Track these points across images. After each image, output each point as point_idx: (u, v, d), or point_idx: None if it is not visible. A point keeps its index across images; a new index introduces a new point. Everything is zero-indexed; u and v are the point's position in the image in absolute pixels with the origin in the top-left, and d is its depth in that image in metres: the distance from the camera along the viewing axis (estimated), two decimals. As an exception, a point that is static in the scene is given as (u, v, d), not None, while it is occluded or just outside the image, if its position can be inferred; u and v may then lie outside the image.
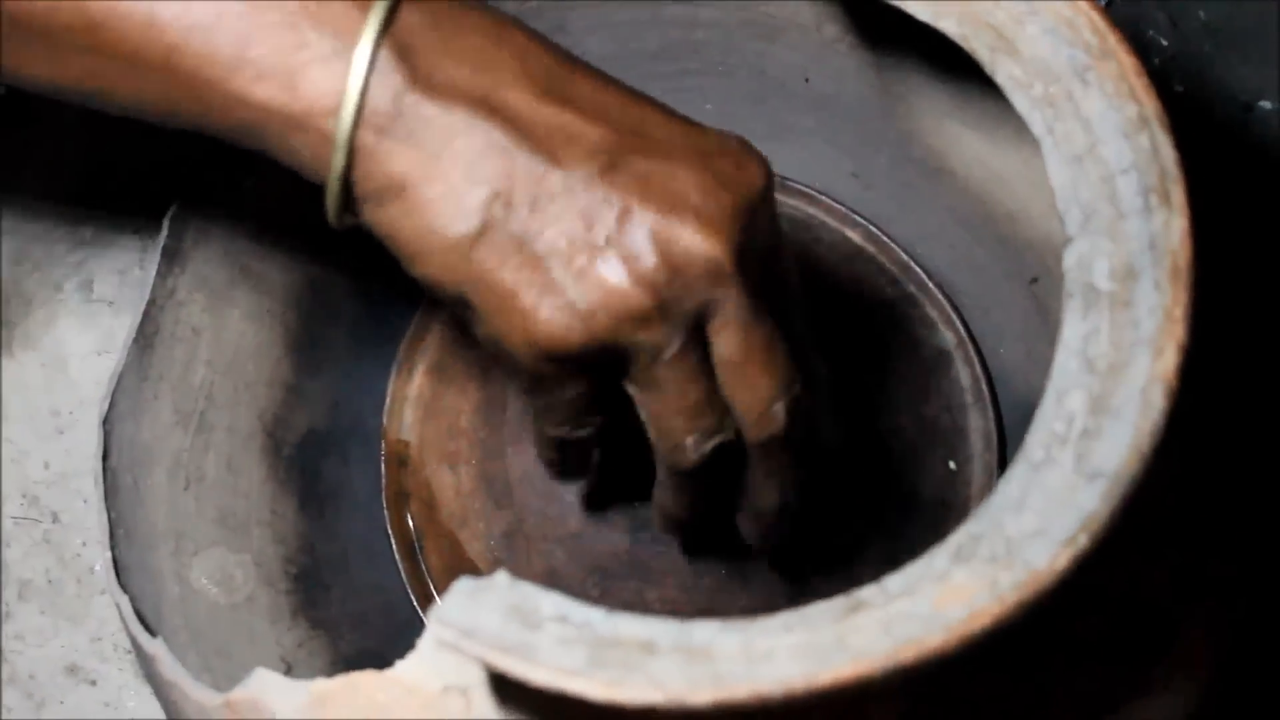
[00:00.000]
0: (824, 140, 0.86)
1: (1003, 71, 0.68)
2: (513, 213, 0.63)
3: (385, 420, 0.83)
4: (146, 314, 0.77)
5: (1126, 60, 0.67)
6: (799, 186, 0.86)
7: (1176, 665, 0.70)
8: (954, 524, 0.77)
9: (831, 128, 0.85)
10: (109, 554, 0.74)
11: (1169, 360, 0.62)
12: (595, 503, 0.79)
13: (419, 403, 0.83)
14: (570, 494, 0.80)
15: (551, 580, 0.78)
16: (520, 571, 0.75)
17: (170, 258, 0.78)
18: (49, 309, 0.85)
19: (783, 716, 0.61)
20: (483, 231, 0.63)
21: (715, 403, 0.66)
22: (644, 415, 0.67)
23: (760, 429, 0.67)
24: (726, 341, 0.65)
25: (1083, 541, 0.60)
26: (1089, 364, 0.63)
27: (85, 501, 0.84)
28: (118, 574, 0.74)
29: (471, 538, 0.80)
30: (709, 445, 0.67)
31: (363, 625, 0.80)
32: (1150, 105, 0.66)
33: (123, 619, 0.73)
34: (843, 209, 0.85)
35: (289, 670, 0.77)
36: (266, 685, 0.66)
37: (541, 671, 0.59)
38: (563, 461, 0.73)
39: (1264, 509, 0.75)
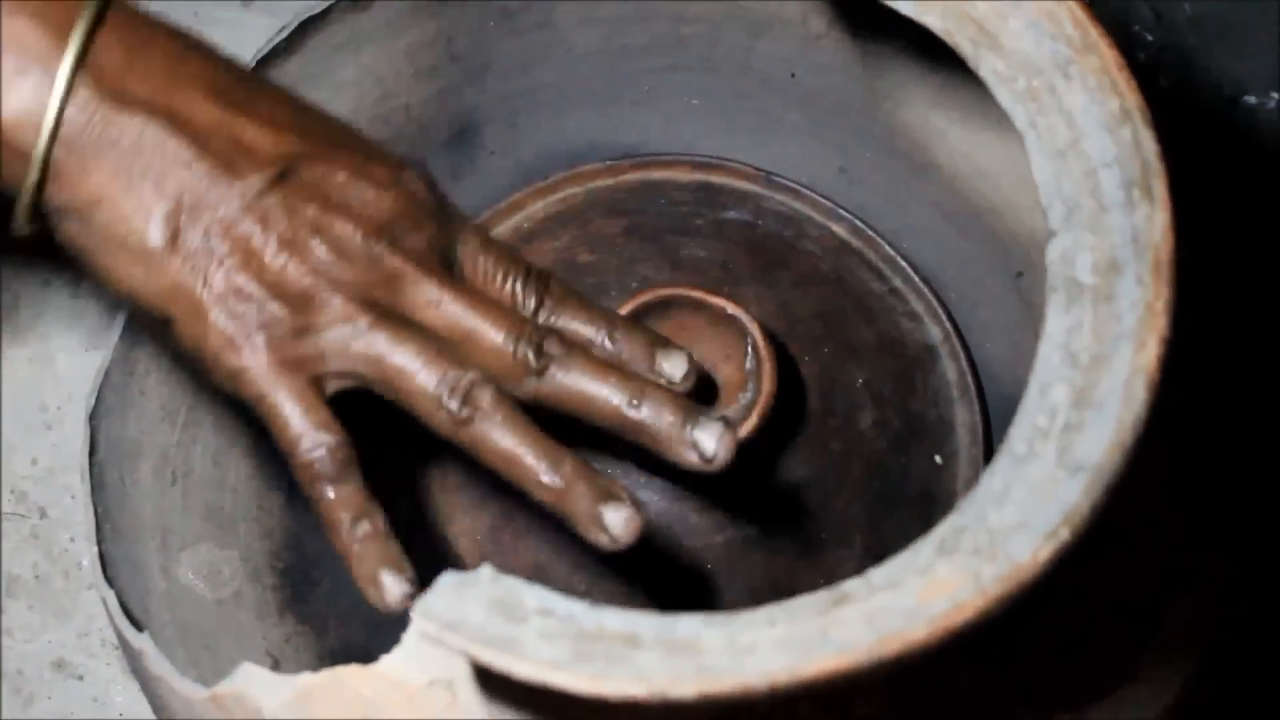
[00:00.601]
0: (810, 135, 0.86)
1: (986, 66, 0.68)
2: (196, 222, 0.66)
3: None
4: (134, 310, 0.78)
5: (1108, 54, 0.67)
6: (785, 181, 0.86)
7: (1160, 656, 0.70)
8: (939, 517, 0.77)
9: (818, 122, 0.86)
10: (96, 549, 0.74)
11: (1151, 353, 0.62)
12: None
13: None
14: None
15: (539, 576, 0.78)
16: (507, 566, 0.75)
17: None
18: (37, 305, 0.86)
19: (767, 709, 0.61)
20: (170, 242, 0.65)
21: (445, 351, 0.66)
22: (395, 401, 0.67)
23: (518, 378, 0.67)
24: (434, 319, 0.67)
25: (1064, 534, 0.60)
26: (1072, 357, 0.63)
27: (73, 497, 0.84)
28: (105, 569, 0.74)
29: (459, 534, 0.80)
30: (464, 384, 0.66)
31: (349, 620, 0.80)
32: (1132, 99, 0.67)
33: (109, 614, 0.73)
34: (829, 204, 0.85)
35: (276, 665, 0.77)
36: (252, 680, 0.66)
37: (526, 665, 0.59)
38: (344, 535, 0.68)
39: (1247, 502, 0.75)
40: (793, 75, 0.85)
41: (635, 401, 0.67)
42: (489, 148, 0.87)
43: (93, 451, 0.76)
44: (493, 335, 0.67)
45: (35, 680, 0.81)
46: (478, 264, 0.69)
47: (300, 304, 0.66)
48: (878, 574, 0.61)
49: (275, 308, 0.66)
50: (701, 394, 0.72)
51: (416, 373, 0.66)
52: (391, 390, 0.67)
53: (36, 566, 0.83)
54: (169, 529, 0.78)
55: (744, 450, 0.69)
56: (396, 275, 0.67)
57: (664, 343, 0.70)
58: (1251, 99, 0.96)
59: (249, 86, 0.68)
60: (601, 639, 0.59)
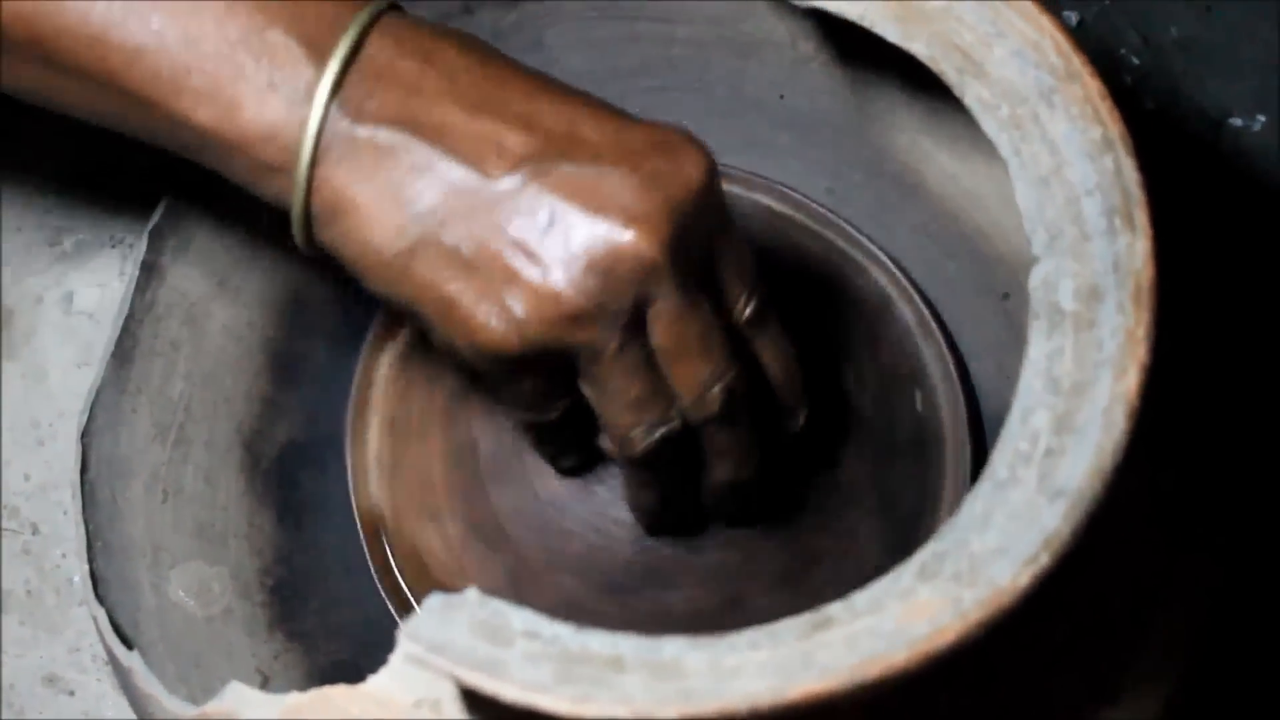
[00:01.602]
0: (798, 156, 0.87)
1: (971, 93, 0.69)
2: (446, 226, 0.66)
3: (351, 489, 0.81)
4: (125, 327, 0.78)
5: (1091, 83, 0.68)
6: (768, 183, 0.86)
7: (1140, 677, 0.71)
8: (935, 457, 0.81)
9: (806, 144, 0.86)
10: (87, 566, 0.74)
11: (1131, 381, 0.63)
12: (577, 469, 0.79)
13: (380, 465, 0.82)
14: (568, 519, 0.79)
15: (570, 609, 0.77)
16: (536, 607, 0.75)
17: (149, 271, 0.79)
18: (29, 321, 0.86)
19: (751, 732, 0.62)
20: (418, 246, 0.66)
21: (659, 395, 0.69)
22: (595, 408, 0.70)
23: (697, 412, 0.69)
24: (662, 332, 0.67)
25: (1044, 560, 0.61)
26: (1054, 383, 0.64)
27: (65, 513, 0.84)
28: (95, 586, 0.74)
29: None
30: (655, 436, 0.69)
31: (339, 637, 0.80)
32: (1115, 128, 0.67)
33: (100, 631, 0.73)
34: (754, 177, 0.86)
35: (265, 682, 0.78)
36: (240, 698, 0.66)
37: (510, 688, 0.59)
38: (540, 443, 0.76)
39: (1228, 522, 0.75)
40: (781, 97, 0.85)
41: (735, 483, 0.73)
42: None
43: (84, 469, 0.76)
44: (700, 375, 0.69)
45: (26, 695, 0.82)
46: (723, 257, 0.69)
47: (554, 314, 0.66)
48: (860, 598, 0.61)
49: (526, 316, 0.66)
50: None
51: (626, 410, 0.69)
52: (599, 404, 0.69)
53: (28, 582, 0.83)
54: (159, 546, 0.78)
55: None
56: (654, 275, 0.66)
57: (804, 400, 0.75)
58: (1238, 121, 0.96)
59: (498, 74, 0.67)
60: (586, 662, 0.60)
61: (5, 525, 0.84)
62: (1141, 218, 0.66)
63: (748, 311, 0.70)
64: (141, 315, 0.79)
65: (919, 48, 0.70)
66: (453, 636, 0.61)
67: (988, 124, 0.68)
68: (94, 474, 0.76)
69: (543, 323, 0.66)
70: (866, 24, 0.71)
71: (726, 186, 0.85)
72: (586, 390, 0.69)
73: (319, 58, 0.66)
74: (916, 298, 0.84)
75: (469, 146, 0.66)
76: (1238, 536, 0.76)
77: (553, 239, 0.65)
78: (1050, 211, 0.67)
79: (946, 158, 0.82)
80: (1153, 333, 0.64)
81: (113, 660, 0.74)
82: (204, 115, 0.66)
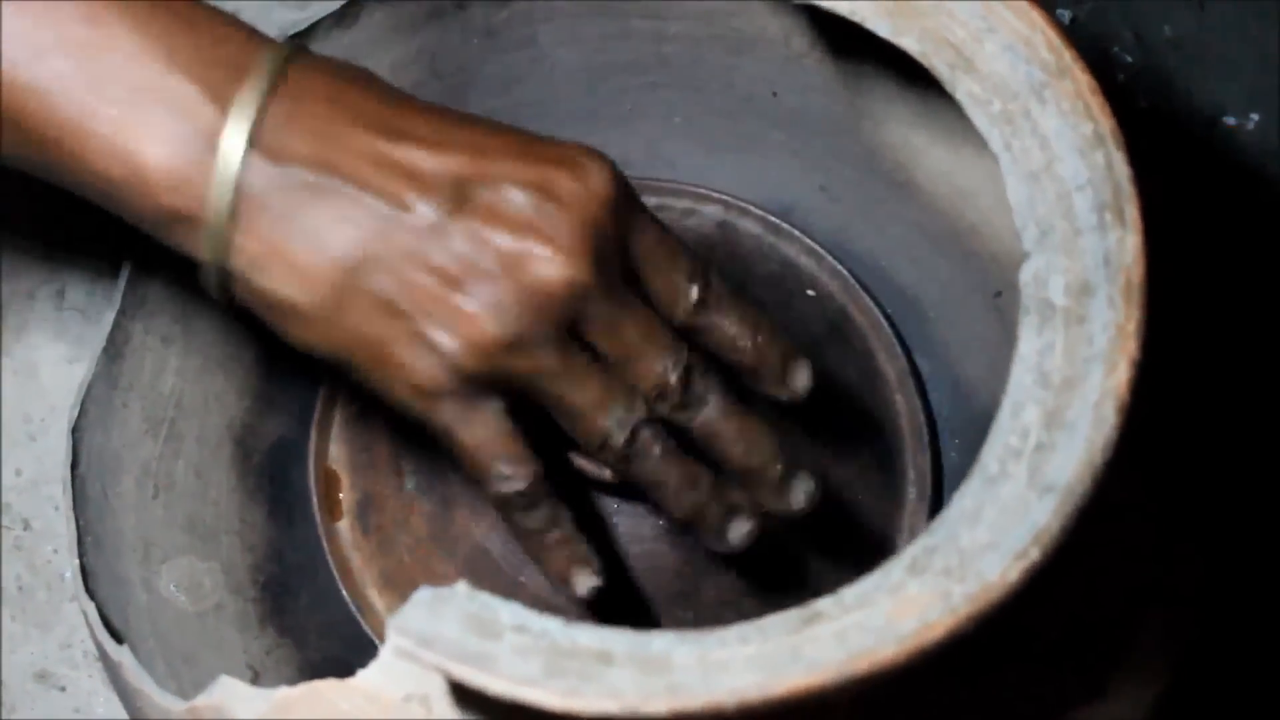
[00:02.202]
0: (791, 153, 0.87)
1: (962, 88, 0.69)
2: (369, 268, 0.65)
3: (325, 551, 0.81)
4: (117, 323, 0.78)
5: (1082, 78, 0.68)
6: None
7: (1130, 673, 0.71)
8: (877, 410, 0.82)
9: (799, 141, 0.86)
10: (77, 561, 0.74)
11: (1121, 375, 0.63)
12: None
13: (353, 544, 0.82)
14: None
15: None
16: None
17: (141, 267, 0.79)
18: (20, 316, 0.86)
19: (739, 726, 0.62)
20: (344, 294, 0.65)
21: (619, 390, 0.69)
22: (567, 429, 0.70)
23: (667, 403, 0.70)
24: (604, 341, 0.68)
25: (1034, 554, 0.61)
26: (1044, 379, 0.64)
27: (56, 508, 0.84)
28: (86, 581, 0.74)
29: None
30: (630, 425, 0.69)
31: (330, 633, 0.80)
32: (1106, 123, 0.67)
33: (90, 626, 0.73)
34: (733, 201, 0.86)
35: (256, 677, 0.78)
36: (230, 693, 0.66)
37: (499, 681, 0.59)
38: (529, 538, 0.71)
39: (1218, 517, 0.75)
40: (774, 94, 0.85)
41: (750, 450, 0.71)
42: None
43: (74, 464, 0.76)
44: (656, 367, 0.69)
45: (18, 691, 0.82)
46: (648, 254, 0.70)
47: (485, 341, 0.66)
48: (849, 592, 0.61)
49: (458, 348, 0.66)
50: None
51: (594, 416, 0.68)
52: (565, 421, 0.69)
53: (20, 578, 0.83)
54: (150, 541, 0.78)
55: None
56: (579, 293, 0.67)
57: (796, 354, 0.73)
58: (1231, 120, 0.96)
59: (402, 109, 0.67)
60: (575, 656, 0.60)
61: (-3, 521, 0.84)
62: (1132, 213, 0.66)
63: (693, 293, 0.71)
64: (133, 311, 0.79)
65: (910, 43, 0.70)
66: (442, 630, 0.61)
67: (979, 119, 0.68)
68: (85, 469, 0.76)
69: (474, 353, 0.66)
70: (858, 20, 0.71)
71: (676, 202, 0.86)
72: (552, 412, 0.69)
73: (224, 104, 0.64)
74: (873, 308, 0.84)
75: (383, 179, 0.65)
76: (1228, 533, 0.76)
77: (475, 268, 0.65)
78: (1041, 207, 0.67)
79: (938, 154, 0.82)
80: (1143, 328, 0.64)
81: (103, 655, 0.74)
82: (108, 162, 0.65)
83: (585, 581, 0.71)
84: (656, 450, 0.70)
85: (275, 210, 0.65)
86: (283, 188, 0.65)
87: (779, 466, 0.72)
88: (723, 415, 0.71)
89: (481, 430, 0.68)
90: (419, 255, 0.65)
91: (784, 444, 0.72)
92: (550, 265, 0.66)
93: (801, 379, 0.73)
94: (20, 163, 0.68)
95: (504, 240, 0.66)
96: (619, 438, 0.69)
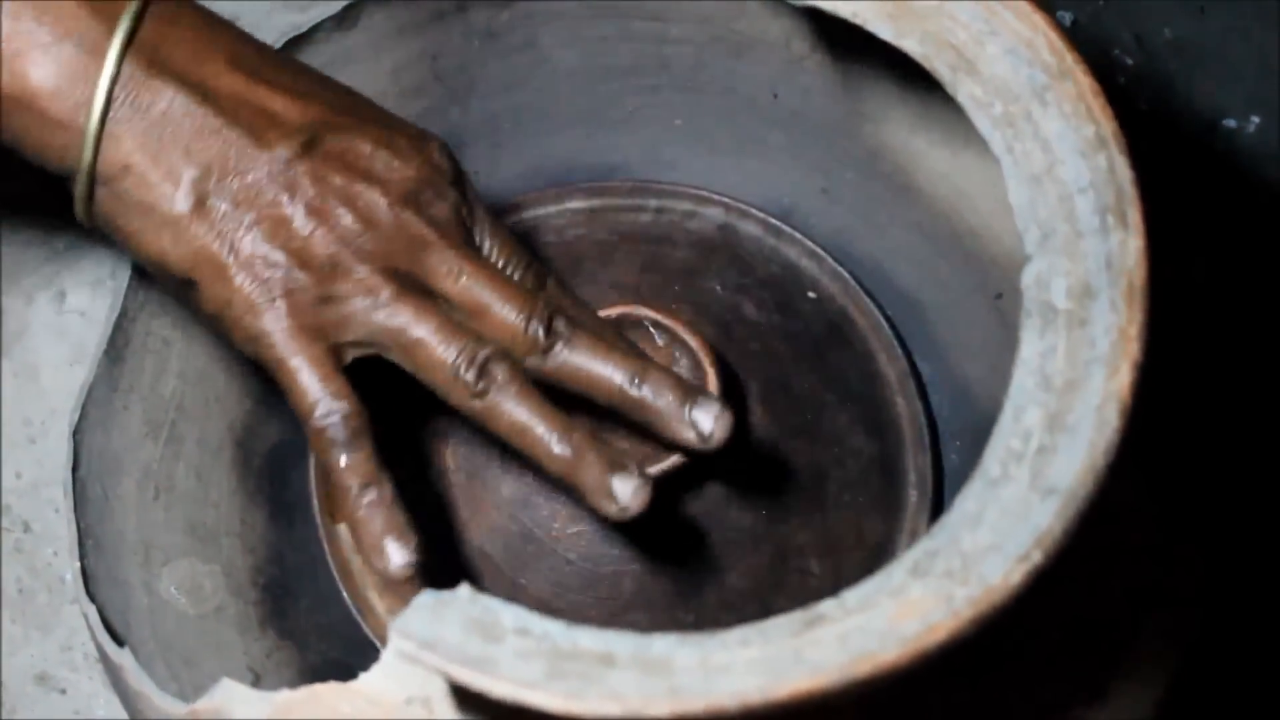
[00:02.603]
0: (793, 155, 0.87)
1: (964, 91, 0.69)
2: (224, 189, 0.68)
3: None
4: (117, 325, 0.78)
5: (1084, 80, 0.68)
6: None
7: (1131, 675, 0.71)
8: (877, 408, 0.82)
9: (800, 143, 0.86)
10: (78, 564, 0.74)
11: (1123, 379, 0.63)
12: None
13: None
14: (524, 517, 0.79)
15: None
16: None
17: (142, 270, 0.79)
18: (21, 319, 0.86)
19: (741, 729, 0.62)
20: (197, 207, 0.68)
21: (462, 325, 0.69)
22: (413, 372, 0.69)
23: (525, 348, 0.69)
24: (450, 288, 0.70)
25: (1037, 557, 0.61)
26: (1046, 381, 0.64)
27: (56, 511, 0.84)
28: (87, 584, 0.74)
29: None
30: (480, 358, 0.68)
31: (330, 635, 0.80)
32: (1108, 125, 0.67)
33: (91, 629, 0.73)
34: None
35: (257, 680, 0.78)
36: (231, 696, 0.66)
37: (501, 684, 0.59)
38: (354, 503, 0.69)
39: (1220, 521, 0.75)
40: (775, 96, 0.85)
41: (637, 380, 0.69)
42: (473, 167, 0.87)
43: (75, 466, 0.76)
44: (506, 311, 0.69)
45: (18, 694, 0.82)
46: (485, 243, 0.72)
47: (325, 272, 0.68)
48: (851, 595, 0.61)
49: (300, 275, 0.68)
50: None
51: (435, 346, 0.68)
52: (409, 360, 0.69)
53: (20, 580, 0.83)
54: (151, 544, 0.78)
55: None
56: (420, 243, 0.69)
57: (643, 356, 0.72)
58: (1231, 122, 0.96)
59: (274, 60, 0.71)
60: (577, 658, 0.60)
61: (-3, 523, 0.84)
62: (1134, 215, 0.66)
63: (524, 270, 0.72)
64: (134, 313, 0.79)
65: (912, 45, 0.70)
66: (444, 633, 0.61)
67: (980, 122, 0.68)
68: (85, 471, 0.76)
69: (304, 272, 0.68)
70: (860, 22, 0.71)
71: (677, 204, 0.86)
72: (395, 355, 0.69)
73: (106, 19, 0.67)
74: (874, 310, 0.84)
75: (248, 115, 0.68)
76: (1229, 536, 0.76)
77: (314, 202, 0.68)
78: (1043, 209, 0.66)
79: (939, 157, 0.82)
80: (1145, 331, 0.64)
81: (104, 658, 0.74)
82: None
83: (398, 554, 0.68)
84: (514, 387, 0.69)
85: (146, 123, 0.68)
86: (155, 104, 0.68)
87: (671, 392, 0.69)
88: (589, 349, 0.70)
89: (307, 362, 0.69)
90: (267, 186, 0.68)
91: (676, 374, 0.70)
92: (380, 201, 0.69)
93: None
94: None
95: (342, 181, 0.69)
96: (468, 372, 0.68)
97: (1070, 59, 0.68)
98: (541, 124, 0.87)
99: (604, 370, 0.70)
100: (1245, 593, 0.84)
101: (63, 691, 0.82)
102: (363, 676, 0.63)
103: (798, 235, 0.86)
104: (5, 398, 0.85)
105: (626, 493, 0.68)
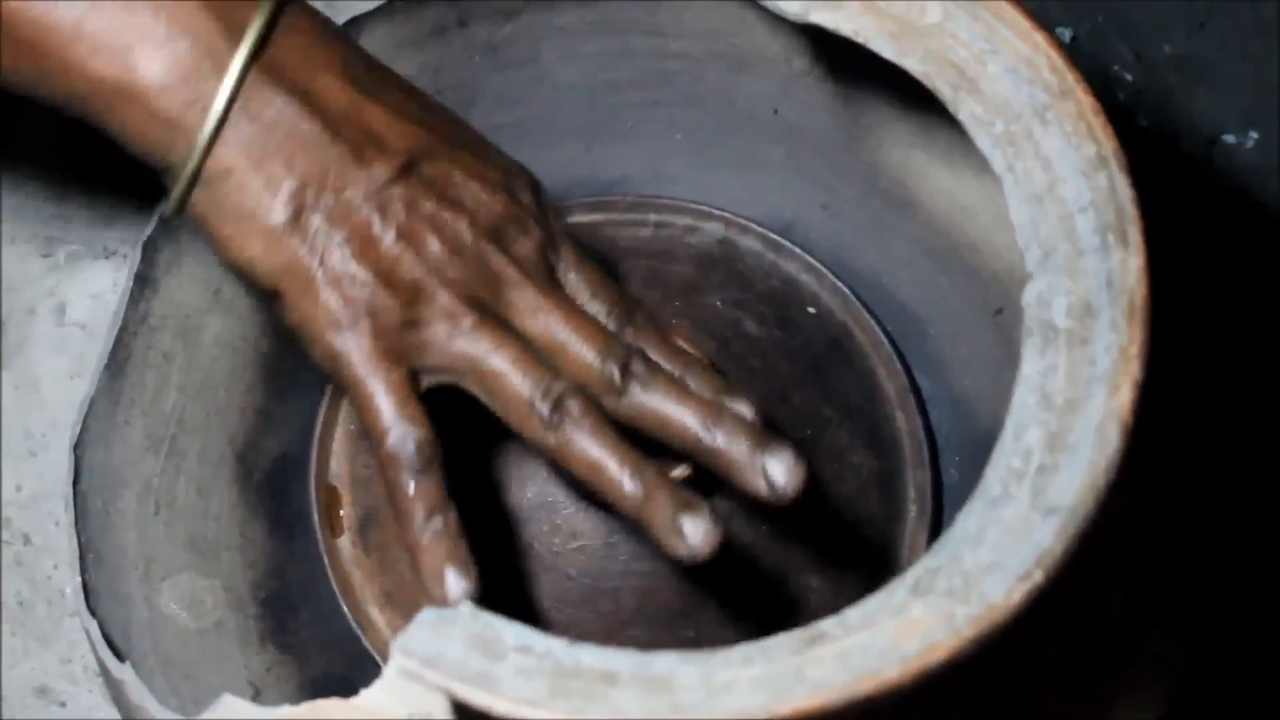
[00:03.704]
0: (793, 171, 0.87)
1: (965, 109, 0.69)
2: (320, 204, 0.68)
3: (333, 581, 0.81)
4: (118, 340, 0.78)
5: (1085, 100, 0.68)
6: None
7: (1134, 690, 0.71)
8: (879, 423, 0.81)
9: (800, 159, 0.86)
10: (79, 578, 0.74)
11: (1124, 398, 0.63)
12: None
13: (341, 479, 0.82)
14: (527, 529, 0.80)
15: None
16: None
17: (143, 283, 0.79)
18: (22, 331, 0.86)
19: (743, 746, 0.62)
20: (293, 219, 0.68)
21: (540, 359, 0.69)
22: (488, 403, 0.69)
23: (603, 393, 0.69)
24: (528, 323, 0.70)
25: (1038, 577, 0.61)
26: (1047, 400, 0.64)
27: (57, 524, 0.84)
28: (87, 598, 0.74)
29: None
30: (556, 391, 0.68)
31: (330, 649, 0.80)
32: (1108, 145, 0.67)
33: (92, 644, 0.73)
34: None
35: (257, 694, 0.78)
36: (231, 712, 0.66)
37: (503, 702, 0.59)
38: (417, 529, 0.69)
39: (1220, 538, 0.75)
40: (775, 112, 0.85)
41: (711, 427, 0.69)
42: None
43: (76, 480, 0.76)
44: (584, 350, 0.70)
45: (18, 706, 0.82)
46: (569, 278, 0.72)
47: (409, 296, 0.68)
48: (853, 613, 0.61)
49: (384, 296, 0.68)
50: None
51: (513, 377, 0.69)
52: (486, 391, 0.69)
53: (20, 593, 0.83)
54: (152, 558, 0.78)
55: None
56: (502, 278, 0.70)
57: (732, 388, 0.72)
58: (1230, 138, 0.97)
59: (379, 76, 0.71)
60: (579, 676, 0.60)
61: (-3, 536, 0.84)
62: (1135, 235, 0.66)
63: (609, 309, 0.72)
64: (135, 327, 0.79)
65: (914, 64, 0.70)
66: (445, 650, 0.61)
67: (982, 140, 0.68)
68: (87, 486, 0.76)
69: (388, 294, 0.68)
70: (861, 40, 0.71)
71: (677, 219, 0.86)
72: (471, 383, 0.69)
73: (225, 21, 0.67)
74: (874, 326, 0.84)
75: (352, 132, 0.68)
76: (1230, 553, 0.76)
77: (403, 227, 0.68)
78: (1044, 228, 0.67)
79: (939, 173, 0.82)
80: (1146, 350, 0.64)
81: (104, 672, 0.74)
82: (99, 63, 0.67)
83: (456, 584, 0.67)
84: (588, 423, 0.68)
85: (254, 129, 0.68)
86: (264, 111, 0.68)
87: (746, 440, 0.68)
88: (665, 393, 0.70)
89: (384, 385, 0.68)
90: (361, 205, 0.68)
91: (750, 422, 0.69)
92: (467, 232, 0.69)
93: (743, 408, 0.71)
94: (9, 73, 0.69)
95: (433, 208, 0.69)
96: (543, 405, 0.68)
97: (1071, 78, 0.68)
98: (542, 138, 0.87)
99: (678, 415, 0.69)
100: (1245, 604, 0.84)
101: (62, 704, 0.82)
102: (364, 693, 0.63)
103: (798, 250, 0.86)
104: (6, 410, 0.85)
105: (697, 535, 0.67)
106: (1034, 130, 0.68)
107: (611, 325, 0.72)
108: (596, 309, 0.72)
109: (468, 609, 0.61)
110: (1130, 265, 0.65)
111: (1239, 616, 0.83)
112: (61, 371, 0.86)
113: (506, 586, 0.79)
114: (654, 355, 0.72)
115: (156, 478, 0.79)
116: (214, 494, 0.81)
